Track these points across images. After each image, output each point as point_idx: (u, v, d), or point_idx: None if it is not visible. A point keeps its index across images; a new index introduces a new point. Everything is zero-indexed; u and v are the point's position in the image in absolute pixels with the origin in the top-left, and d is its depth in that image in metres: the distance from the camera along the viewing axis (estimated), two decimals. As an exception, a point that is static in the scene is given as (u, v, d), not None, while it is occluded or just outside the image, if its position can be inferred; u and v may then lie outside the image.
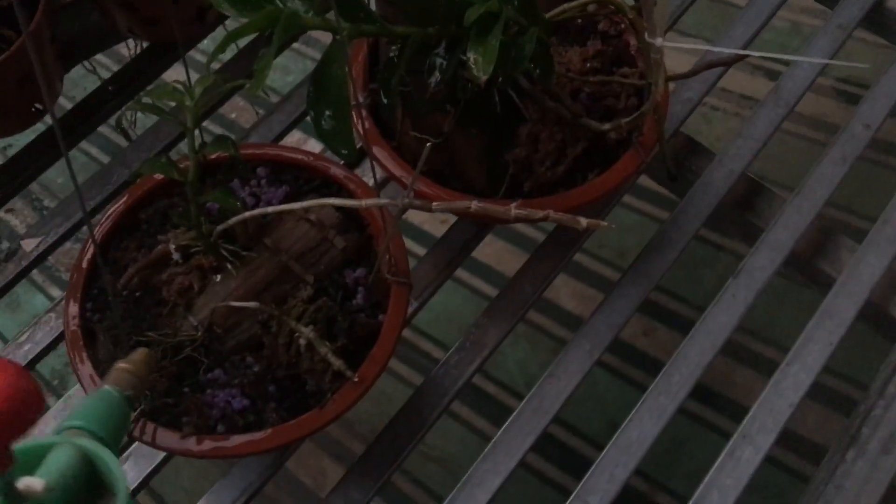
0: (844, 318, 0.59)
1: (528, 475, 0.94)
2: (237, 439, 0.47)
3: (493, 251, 1.10)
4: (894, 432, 0.56)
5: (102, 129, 1.27)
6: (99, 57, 0.94)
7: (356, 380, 0.49)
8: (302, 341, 0.49)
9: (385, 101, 0.45)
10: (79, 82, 1.12)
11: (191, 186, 0.48)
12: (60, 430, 0.31)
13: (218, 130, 1.28)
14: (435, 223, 1.15)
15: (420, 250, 0.99)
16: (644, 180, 0.81)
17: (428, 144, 0.41)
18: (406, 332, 1.05)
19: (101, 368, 0.49)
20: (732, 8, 1.25)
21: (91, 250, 0.52)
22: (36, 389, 0.24)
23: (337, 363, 0.49)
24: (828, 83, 1.18)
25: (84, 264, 0.53)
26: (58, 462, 0.27)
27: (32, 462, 0.27)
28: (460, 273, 1.08)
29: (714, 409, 0.95)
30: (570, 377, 0.58)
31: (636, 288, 0.61)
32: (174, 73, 0.84)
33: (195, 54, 1.36)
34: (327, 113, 0.40)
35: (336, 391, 0.49)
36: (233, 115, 1.28)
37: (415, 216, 1.15)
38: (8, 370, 0.24)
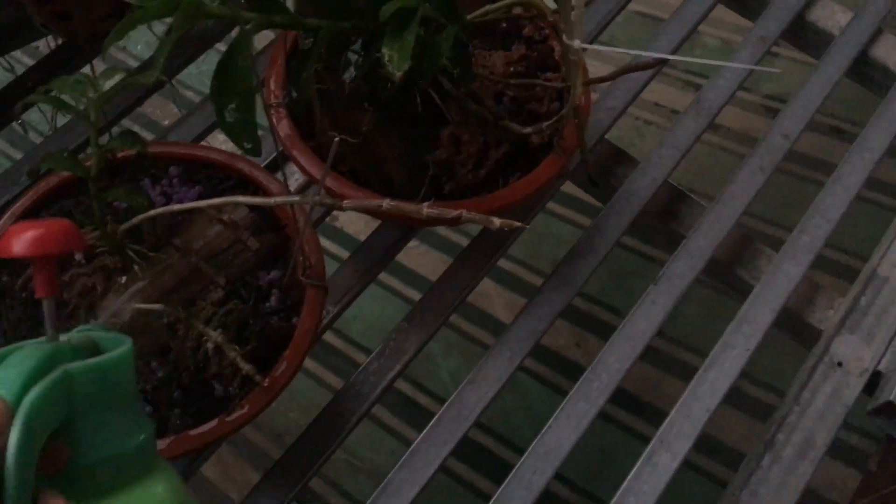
0: (761, 325, 0.59)
1: (456, 486, 0.93)
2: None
3: (422, 257, 1.09)
4: (809, 438, 0.57)
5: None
6: (18, 55, 0.91)
7: (266, 384, 0.47)
8: (210, 345, 0.48)
9: (296, 95, 0.44)
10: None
11: (94, 183, 0.46)
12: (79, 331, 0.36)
13: (146, 133, 1.25)
14: (368, 231, 1.14)
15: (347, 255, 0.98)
16: (581, 194, 0.81)
17: (336, 140, 0.40)
18: (332, 338, 1.04)
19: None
20: (661, 22, 1.28)
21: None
22: (78, 234, 0.33)
23: (246, 367, 0.47)
24: (757, 100, 1.21)
25: (-20, 264, 0.50)
26: (76, 336, 0.34)
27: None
28: (388, 278, 1.07)
29: (643, 418, 0.95)
30: (490, 384, 0.58)
31: (558, 294, 0.61)
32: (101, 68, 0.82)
33: (120, 54, 1.32)
34: (231, 105, 0.39)
35: (245, 397, 0.47)
36: (166, 122, 1.26)
37: (348, 223, 1.14)
38: (61, 219, 0.34)
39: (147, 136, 1.26)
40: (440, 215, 0.43)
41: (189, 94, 1.27)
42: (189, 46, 0.75)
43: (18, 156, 1.18)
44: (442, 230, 1.11)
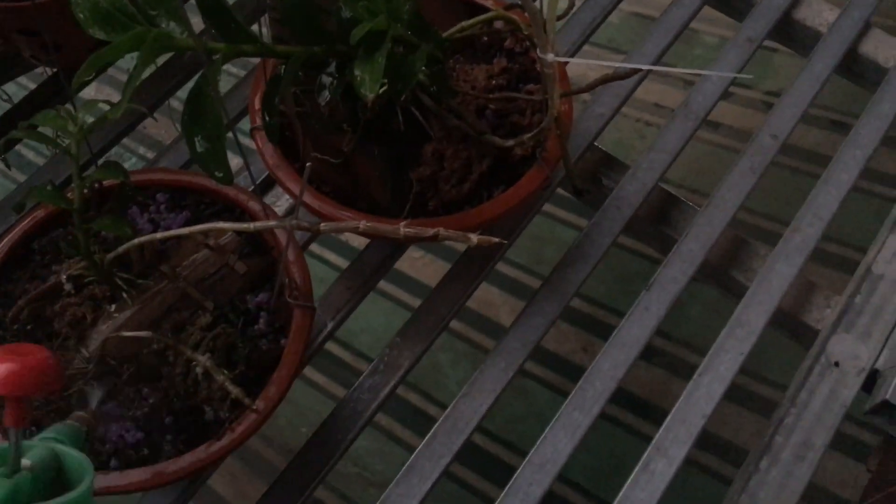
0: (755, 327, 0.59)
1: (466, 494, 0.93)
2: (129, 475, 0.45)
3: (426, 267, 1.09)
4: (807, 439, 0.56)
5: (31, 156, 1.25)
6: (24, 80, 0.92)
7: (255, 407, 0.48)
8: (199, 370, 0.48)
9: (267, 119, 0.44)
10: None
11: (77, 214, 0.47)
12: (40, 439, 0.36)
13: (151, 154, 1.26)
14: (363, 240, 1.15)
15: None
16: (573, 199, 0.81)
17: (308, 164, 0.40)
18: (339, 350, 1.05)
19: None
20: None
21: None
22: (61, 367, 0.33)
23: (235, 391, 0.48)
24: (757, 97, 1.20)
25: (-26, 298, 0.51)
26: (40, 452, 0.33)
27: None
28: (392, 289, 1.07)
29: (653, 422, 0.95)
30: (485, 395, 0.58)
31: (550, 304, 0.61)
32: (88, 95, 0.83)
33: (122, 76, 1.34)
34: (200, 135, 0.39)
35: (235, 420, 0.48)
36: (170, 141, 1.27)
37: (351, 235, 1.14)
38: (43, 350, 0.33)
39: (150, 155, 1.28)
40: (417, 234, 0.43)
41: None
42: (180, 69, 0.75)
43: (13, 185, 1.20)
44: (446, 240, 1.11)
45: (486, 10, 0.62)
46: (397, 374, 0.59)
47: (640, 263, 1.08)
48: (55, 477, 0.33)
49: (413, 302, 1.07)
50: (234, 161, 1.01)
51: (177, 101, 1.24)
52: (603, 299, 1.06)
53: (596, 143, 0.69)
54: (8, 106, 0.75)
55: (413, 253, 1.11)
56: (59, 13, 0.62)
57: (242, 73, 1.19)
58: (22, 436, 0.32)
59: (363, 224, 0.44)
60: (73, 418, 0.41)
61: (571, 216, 1.13)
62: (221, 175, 0.39)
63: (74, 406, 0.47)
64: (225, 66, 0.42)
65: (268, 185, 0.65)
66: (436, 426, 0.57)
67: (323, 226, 0.44)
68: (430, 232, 0.43)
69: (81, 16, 0.40)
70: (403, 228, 0.43)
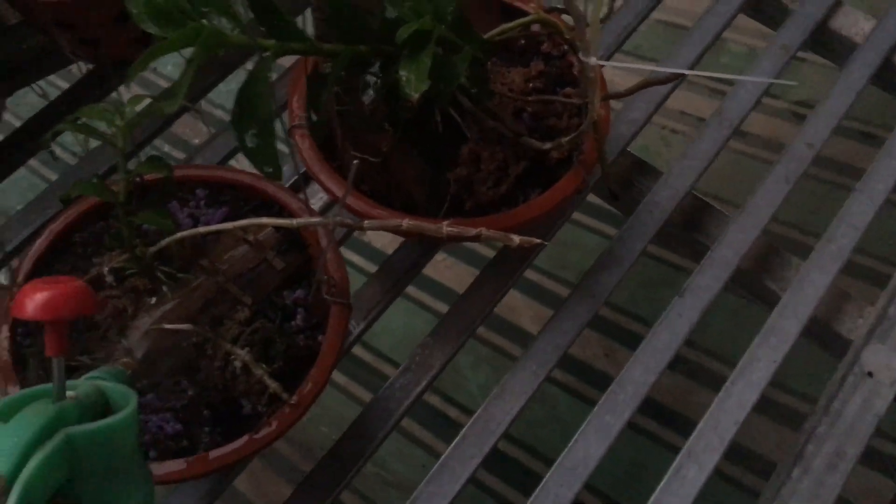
0: (788, 336, 0.59)
1: (486, 497, 0.93)
2: (166, 466, 0.46)
3: (449, 270, 1.10)
4: (839, 450, 0.56)
5: (59, 152, 1.26)
6: (53, 78, 0.93)
7: (292, 402, 0.48)
8: (237, 364, 0.49)
9: (314, 118, 0.45)
10: (38, 105, 1.12)
11: (121, 207, 0.47)
12: (86, 379, 0.37)
13: (176, 153, 1.27)
14: (394, 243, 1.15)
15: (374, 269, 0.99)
16: (607, 204, 0.81)
17: (355, 162, 0.41)
18: (361, 351, 1.05)
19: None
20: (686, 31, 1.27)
21: (24, 273, 0.51)
22: (93, 293, 0.34)
23: (273, 385, 0.48)
24: (785, 106, 1.20)
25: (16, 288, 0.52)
26: (85, 388, 0.34)
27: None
28: (416, 292, 1.08)
29: (673, 429, 0.95)
30: (516, 398, 0.58)
31: (582, 307, 0.61)
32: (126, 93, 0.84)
33: (151, 76, 1.35)
34: (251, 131, 0.40)
35: (272, 414, 0.48)
36: (196, 141, 1.28)
37: (375, 238, 1.14)
38: (74, 279, 0.34)
39: (177, 154, 1.29)
40: (459, 234, 0.43)
41: (218, 112, 1.29)
42: (217, 67, 0.76)
43: (54, 177, 1.21)
44: (469, 243, 1.11)
45: (523, 12, 0.63)
46: (428, 375, 0.59)
47: (664, 270, 1.08)
48: (101, 413, 0.34)
49: (434, 304, 1.07)
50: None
51: (206, 101, 1.24)
52: (625, 305, 1.06)
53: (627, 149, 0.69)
54: (44, 101, 0.76)
55: (436, 255, 1.11)
56: (98, 8, 0.63)
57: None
58: (64, 365, 0.33)
59: (406, 222, 0.44)
60: (118, 363, 0.42)
61: (593, 221, 1.13)
62: (271, 170, 0.40)
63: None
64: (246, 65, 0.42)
65: (306, 181, 0.66)
66: (466, 427, 0.57)
67: (366, 223, 0.44)
68: (473, 232, 0.44)
69: (135, 10, 0.40)
70: (446, 227, 0.43)
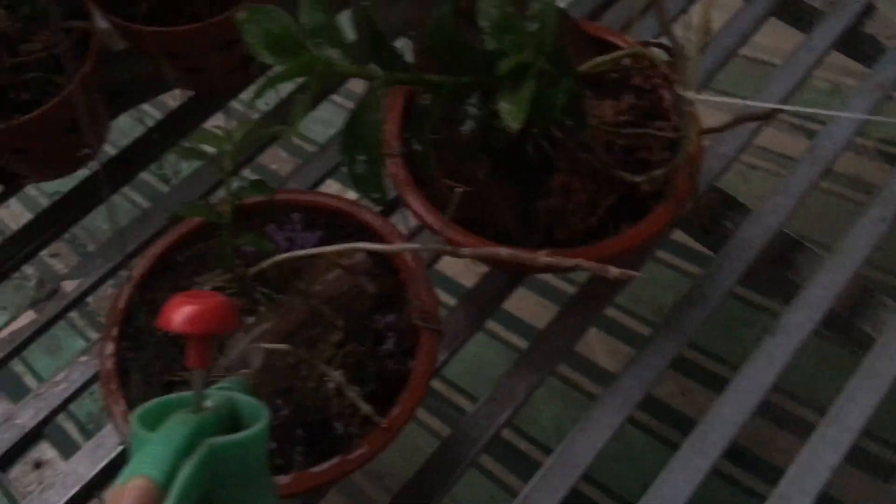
0: (885, 380, 0.57)
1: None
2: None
3: (524, 303, 1.09)
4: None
5: (145, 176, 1.31)
6: (145, 106, 0.97)
7: (384, 425, 0.48)
8: (331, 385, 0.49)
9: (419, 148, 0.46)
10: (128, 131, 1.17)
11: (227, 229, 0.49)
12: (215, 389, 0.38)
13: (252, 177, 1.31)
14: (468, 274, 1.15)
15: (451, 300, 0.99)
16: (682, 237, 0.80)
17: (457, 191, 0.42)
18: (434, 382, 1.05)
19: (134, 406, 0.49)
20: (770, 67, 1.26)
21: (128, 290, 0.53)
22: (235, 311, 0.35)
23: (365, 408, 0.49)
24: (870, 144, 1.17)
25: (121, 304, 0.54)
26: (217, 398, 0.35)
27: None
28: (490, 324, 1.07)
29: (753, 473, 0.92)
30: (601, 431, 0.57)
31: (669, 343, 0.60)
32: (215, 122, 0.87)
33: (235, 104, 1.39)
34: (361, 158, 0.41)
35: (364, 436, 0.49)
36: (274, 166, 1.31)
37: (447, 266, 1.15)
38: (217, 294, 0.35)
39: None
40: (557, 264, 0.44)
41: (300, 142, 1.32)
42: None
43: (142, 201, 1.26)
44: (543, 275, 1.11)
45: (614, 45, 0.63)
46: (512, 404, 0.59)
47: (742, 308, 1.05)
48: (231, 423, 0.35)
49: (504, 334, 1.07)
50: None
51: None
52: (703, 343, 1.04)
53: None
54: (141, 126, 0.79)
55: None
56: (204, 38, 0.66)
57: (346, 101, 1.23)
58: (206, 376, 0.34)
59: (504, 251, 0.44)
60: (239, 374, 0.43)
61: (668, 256, 1.12)
62: (378, 196, 0.41)
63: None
64: (342, 102, 0.43)
65: (392, 207, 0.67)
66: (550, 459, 0.57)
67: (466, 251, 0.44)
68: (571, 262, 0.44)
69: (250, 41, 0.42)
70: (544, 257, 0.44)
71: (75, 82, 0.61)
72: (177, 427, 0.31)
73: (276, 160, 1.34)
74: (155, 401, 0.34)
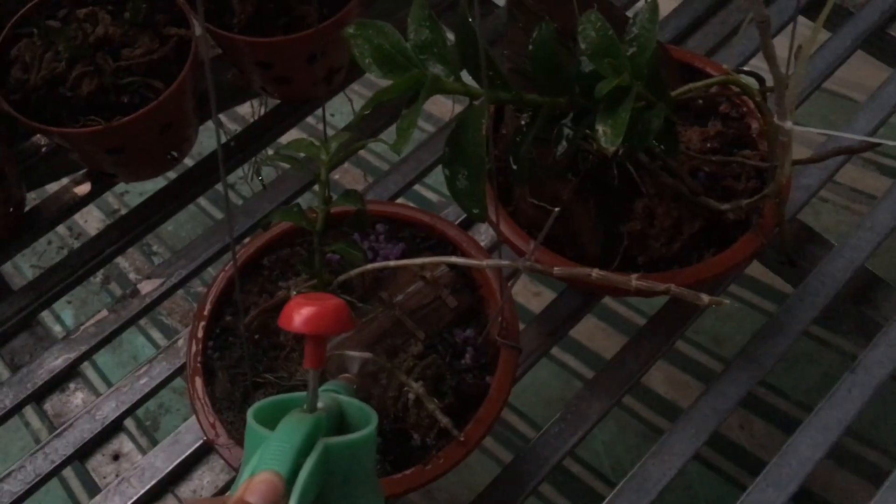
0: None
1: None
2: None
3: (585, 329, 1.08)
4: None
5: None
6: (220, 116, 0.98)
7: (462, 439, 0.49)
8: (411, 396, 0.50)
9: (515, 167, 0.46)
10: (201, 140, 1.19)
11: (318, 236, 0.50)
12: (322, 391, 0.39)
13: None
14: (527, 295, 1.15)
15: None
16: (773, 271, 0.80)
17: (556, 210, 0.42)
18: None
19: (217, 405, 0.50)
20: (849, 102, 1.24)
21: (219, 287, 0.55)
22: (350, 313, 0.35)
23: (444, 420, 0.49)
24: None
25: (209, 304, 0.55)
26: (326, 400, 0.36)
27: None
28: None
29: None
30: (675, 458, 0.57)
31: (745, 374, 0.60)
32: (290, 136, 0.88)
33: (309, 118, 1.42)
34: (463, 173, 0.41)
35: (441, 449, 0.49)
36: (336, 176, 1.33)
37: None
38: (334, 297, 0.35)
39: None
40: (649, 288, 0.44)
41: (367, 155, 1.33)
42: (382, 113, 0.79)
43: (210, 209, 1.28)
44: (607, 301, 1.10)
45: (703, 72, 0.63)
46: (584, 426, 0.59)
47: (806, 344, 1.04)
48: (337, 424, 0.36)
49: (565, 358, 1.06)
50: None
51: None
52: (765, 377, 1.02)
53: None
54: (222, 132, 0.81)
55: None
56: (295, 48, 0.67)
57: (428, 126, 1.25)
58: (320, 378, 0.35)
59: (596, 273, 0.44)
60: (341, 378, 0.44)
61: (731, 286, 1.11)
62: (478, 211, 0.41)
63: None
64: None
65: (471, 222, 0.67)
66: (621, 484, 0.57)
67: (556, 270, 0.45)
68: (662, 287, 0.44)
69: (360, 55, 0.43)
70: (636, 281, 0.44)
71: (173, 87, 0.63)
72: (296, 426, 0.32)
73: (339, 171, 1.36)
74: (269, 399, 0.35)
